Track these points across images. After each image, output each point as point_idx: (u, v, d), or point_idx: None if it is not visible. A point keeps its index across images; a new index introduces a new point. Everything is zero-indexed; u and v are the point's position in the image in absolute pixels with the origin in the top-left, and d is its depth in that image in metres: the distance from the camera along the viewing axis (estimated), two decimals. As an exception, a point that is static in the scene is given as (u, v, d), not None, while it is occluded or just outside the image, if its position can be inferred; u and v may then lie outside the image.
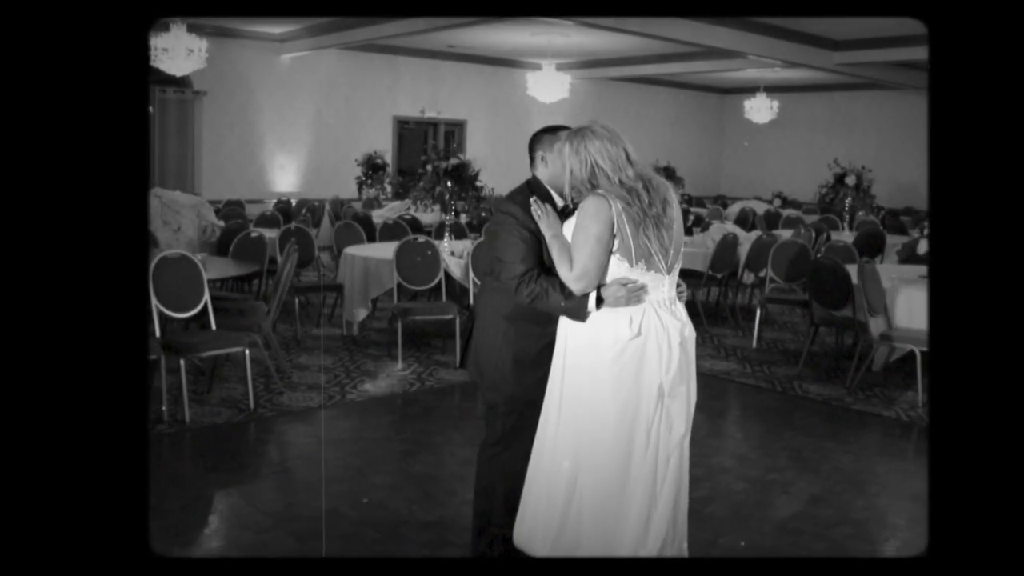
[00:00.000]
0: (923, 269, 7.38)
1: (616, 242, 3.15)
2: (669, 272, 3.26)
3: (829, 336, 8.03)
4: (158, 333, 5.48)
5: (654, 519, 3.32)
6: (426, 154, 10.05)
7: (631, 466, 3.27)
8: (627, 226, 3.13)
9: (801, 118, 20.12)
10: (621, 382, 3.20)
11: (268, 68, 14.89)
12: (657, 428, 3.28)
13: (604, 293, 3.17)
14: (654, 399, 3.24)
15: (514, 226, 3.28)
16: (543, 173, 3.41)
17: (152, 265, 5.55)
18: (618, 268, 3.18)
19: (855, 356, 6.73)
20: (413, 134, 17.20)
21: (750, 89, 18.67)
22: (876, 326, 6.47)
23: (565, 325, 3.32)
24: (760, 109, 17.95)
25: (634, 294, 3.17)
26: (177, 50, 10.89)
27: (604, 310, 3.18)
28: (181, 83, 13.52)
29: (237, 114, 14.73)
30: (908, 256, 8.20)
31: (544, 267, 3.28)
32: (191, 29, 11.06)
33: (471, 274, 7.19)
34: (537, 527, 3.40)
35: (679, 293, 3.37)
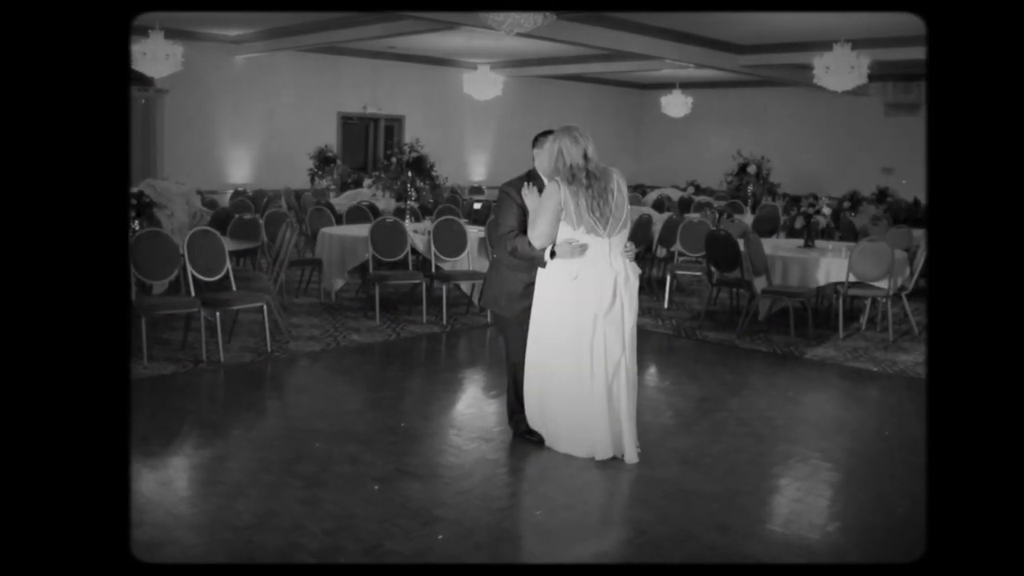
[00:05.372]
0: (800, 240, 9.20)
1: (563, 213, 4.69)
2: (609, 235, 4.74)
3: (730, 299, 9.72)
4: (193, 293, 6.89)
5: (615, 427, 4.78)
6: (390, 148, 11.47)
7: (587, 378, 4.72)
8: (571, 201, 4.67)
9: (714, 112, 21.54)
10: (565, 311, 4.75)
11: (224, 68, 16.07)
12: (600, 346, 4.75)
13: (556, 248, 4.72)
14: (591, 324, 4.77)
15: (508, 200, 4.91)
16: (537, 164, 4.98)
17: (187, 239, 6.96)
18: (566, 231, 4.72)
19: (744, 309, 8.42)
20: (356, 128, 18.53)
21: (667, 85, 20.11)
22: (759, 284, 8.17)
23: (539, 271, 4.85)
24: (676, 104, 19.35)
25: (576, 249, 4.71)
26: (155, 54, 12.14)
27: (557, 260, 4.72)
28: (144, 82, 14.64)
29: (195, 111, 15.90)
30: (790, 230, 9.97)
31: (525, 230, 4.82)
32: (168, 36, 12.32)
33: (432, 247, 8.70)
34: (533, 420, 4.94)
35: (627, 250, 4.85)
